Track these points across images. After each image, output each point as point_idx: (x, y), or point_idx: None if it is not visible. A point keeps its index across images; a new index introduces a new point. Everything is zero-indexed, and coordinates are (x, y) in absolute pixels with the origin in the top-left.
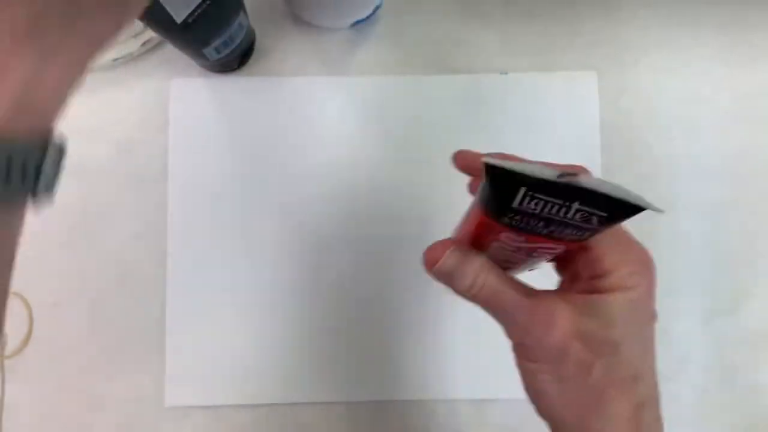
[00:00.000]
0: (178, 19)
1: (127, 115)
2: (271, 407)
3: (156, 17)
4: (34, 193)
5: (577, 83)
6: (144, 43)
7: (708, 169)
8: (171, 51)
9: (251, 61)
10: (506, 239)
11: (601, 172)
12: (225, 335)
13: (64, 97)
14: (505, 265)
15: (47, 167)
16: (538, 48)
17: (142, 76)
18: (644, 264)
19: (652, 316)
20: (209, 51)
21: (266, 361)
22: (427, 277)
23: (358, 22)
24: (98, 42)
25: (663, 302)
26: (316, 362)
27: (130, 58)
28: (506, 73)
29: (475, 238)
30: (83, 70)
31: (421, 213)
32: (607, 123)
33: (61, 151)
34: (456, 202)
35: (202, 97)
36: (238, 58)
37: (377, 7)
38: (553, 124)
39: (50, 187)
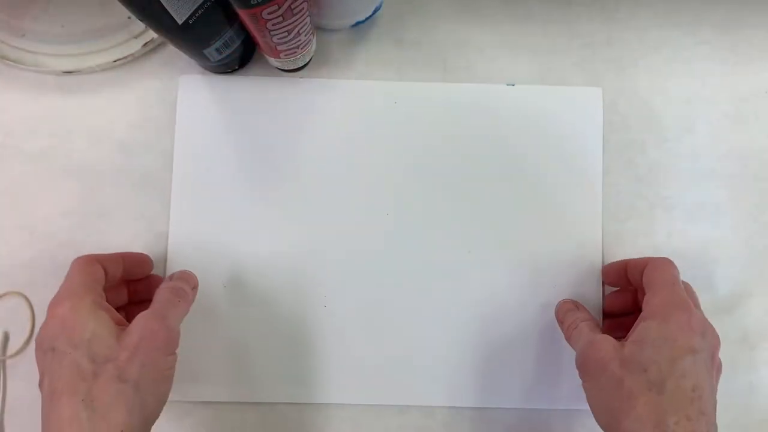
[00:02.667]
0: (180, 20)
1: (129, 116)
2: (271, 406)
3: (157, 18)
4: None
5: (582, 98)
6: (145, 44)
7: (707, 170)
8: (172, 52)
9: (252, 62)
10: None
11: (601, 173)
12: (226, 334)
13: None
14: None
15: None
16: (536, 49)
17: (143, 77)
18: (682, 307)
19: (688, 350)
20: (210, 52)
21: (267, 359)
22: (430, 282)
23: (358, 23)
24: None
25: None
26: (317, 362)
27: (132, 59)
28: (513, 85)
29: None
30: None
31: (422, 217)
32: (606, 123)
33: None
34: (456, 208)
35: (208, 95)
36: (238, 59)
37: (377, 8)
38: (557, 136)
39: None
